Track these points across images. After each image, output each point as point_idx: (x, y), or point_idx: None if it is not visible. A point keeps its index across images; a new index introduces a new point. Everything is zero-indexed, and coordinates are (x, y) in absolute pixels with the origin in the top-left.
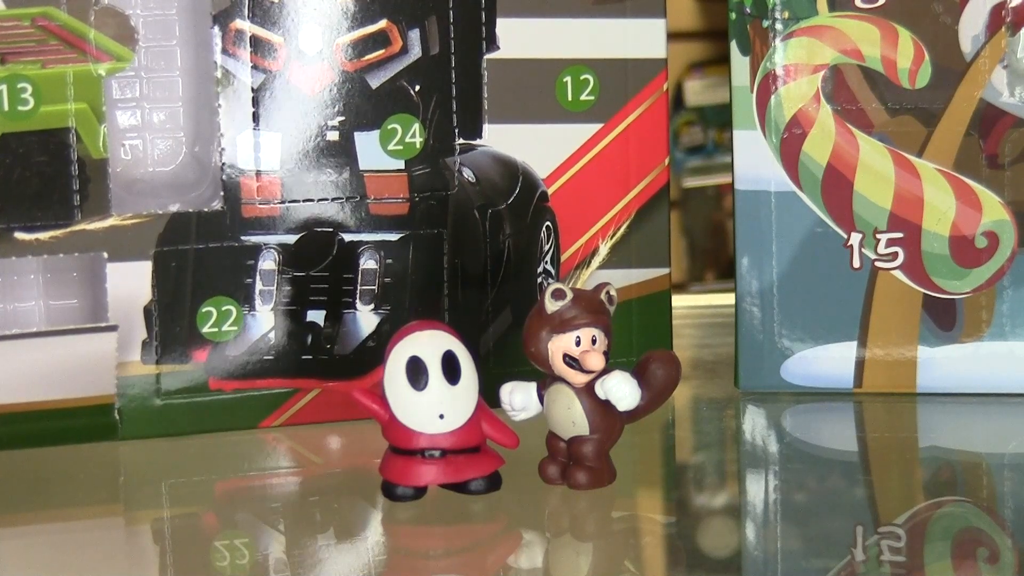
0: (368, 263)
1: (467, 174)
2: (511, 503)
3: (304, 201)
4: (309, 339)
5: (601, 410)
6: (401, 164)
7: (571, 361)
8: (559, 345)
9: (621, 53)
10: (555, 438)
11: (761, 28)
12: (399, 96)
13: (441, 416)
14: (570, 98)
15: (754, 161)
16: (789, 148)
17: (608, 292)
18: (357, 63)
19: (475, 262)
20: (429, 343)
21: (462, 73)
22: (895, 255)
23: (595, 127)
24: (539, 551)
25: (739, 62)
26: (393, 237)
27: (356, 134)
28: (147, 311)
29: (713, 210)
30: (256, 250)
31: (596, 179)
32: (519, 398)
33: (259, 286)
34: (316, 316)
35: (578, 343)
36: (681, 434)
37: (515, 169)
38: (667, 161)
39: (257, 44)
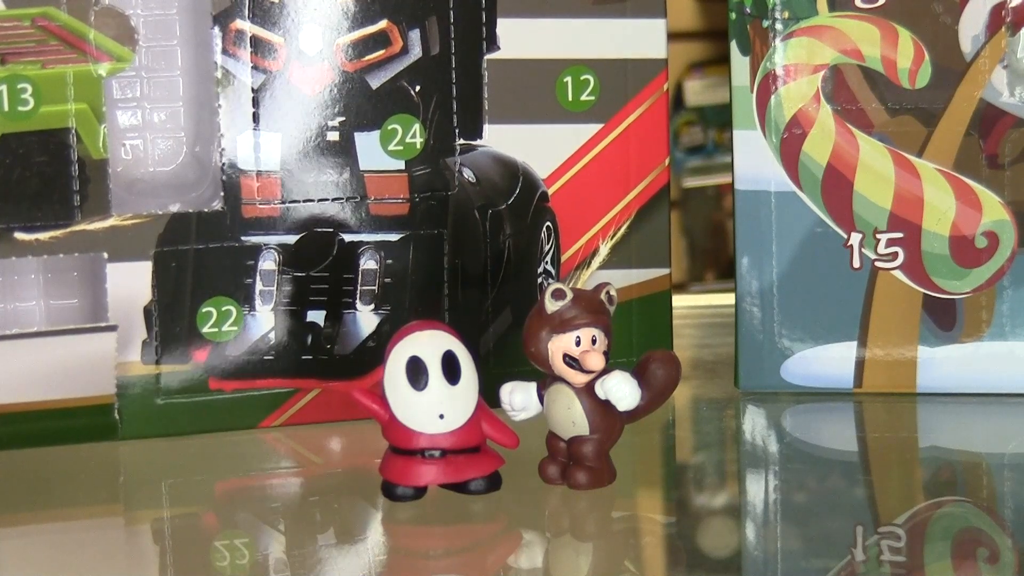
0: (368, 263)
1: (467, 174)
2: (511, 503)
3: (304, 201)
4: (309, 339)
5: (601, 410)
6: (401, 164)
7: (571, 361)
8: (559, 345)
9: (621, 53)
10: (555, 438)
11: (761, 28)
12: (399, 96)
13: (441, 416)
14: (570, 98)
15: (754, 161)
16: (789, 148)
17: (608, 292)
18: (357, 63)
19: (475, 262)
20: (429, 343)
21: (462, 73)
22: (895, 255)
23: (595, 127)
24: (539, 551)
25: (739, 62)
26: (393, 237)
27: (356, 134)
28: (147, 311)
29: (713, 210)
30: (256, 250)
31: (596, 179)
32: (519, 398)
33: (259, 286)
34: (316, 316)
35: (578, 343)
36: (681, 434)
37: (515, 169)
38: (667, 161)
39: (257, 44)
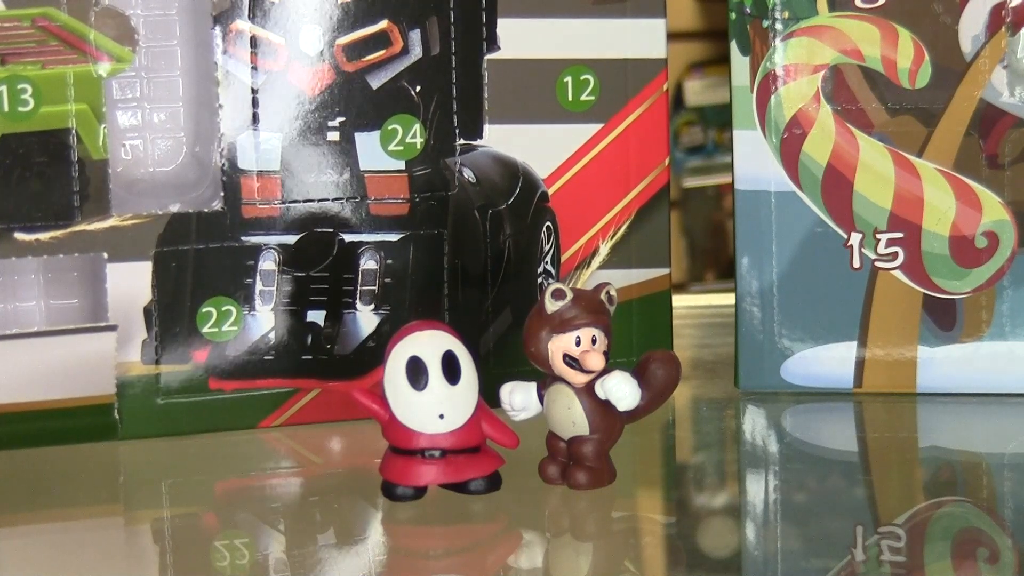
0: (368, 263)
1: (467, 174)
2: (511, 503)
3: (304, 201)
4: (309, 339)
5: (601, 410)
6: (402, 164)
7: (571, 361)
8: (559, 345)
9: (621, 53)
10: (555, 438)
11: (761, 28)
12: (400, 96)
13: (441, 416)
14: (570, 98)
15: (754, 161)
16: (789, 148)
17: (608, 292)
18: (358, 63)
19: (475, 262)
20: (429, 343)
21: (463, 73)
22: (895, 255)
23: (595, 127)
24: (539, 551)
25: (739, 62)
26: (393, 237)
27: (357, 134)
28: (147, 311)
29: (713, 210)
30: (256, 250)
31: (596, 179)
32: (519, 398)
33: (259, 286)
34: (316, 316)
35: (578, 343)
36: (681, 434)
37: (515, 169)
38: (667, 161)
39: (257, 44)
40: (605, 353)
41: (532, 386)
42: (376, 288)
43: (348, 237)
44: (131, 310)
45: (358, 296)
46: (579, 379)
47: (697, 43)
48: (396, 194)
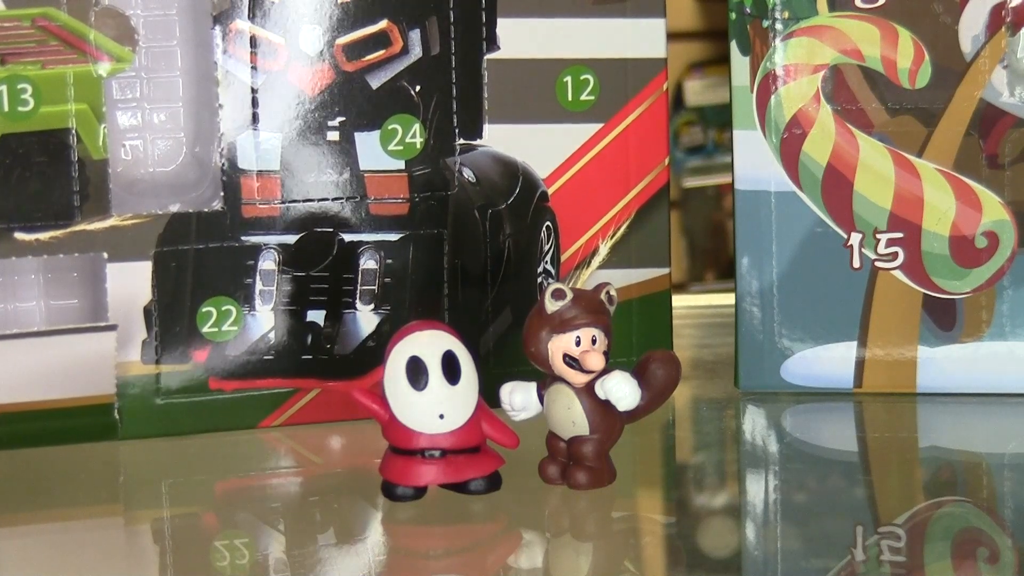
0: (368, 263)
1: (467, 174)
2: (511, 503)
3: (304, 201)
4: (309, 339)
5: (601, 410)
6: (401, 164)
7: (571, 361)
8: (559, 345)
9: (621, 53)
10: (555, 438)
11: (761, 28)
12: (399, 96)
13: (441, 416)
14: (570, 98)
15: (754, 161)
16: (789, 148)
17: (608, 292)
18: (357, 63)
19: (475, 262)
20: (429, 343)
21: (462, 73)
22: (895, 255)
23: (595, 127)
24: (539, 551)
25: (739, 62)
26: (393, 237)
27: (356, 134)
28: (147, 311)
29: (713, 210)
30: (256, 250)
31: (596, 179)
32: (519, 398)
33: (259, 286)
34: (316, 316)
35: (578, 343)
36: (681, 434)
37: (515, 169)
38: (667, 161)
39: (257, 44)
40: (605, 353)
41: (532, 386)
42: (376, 288)
43: (348, 237)
44: (131, 310)
45: (358, 296)
46: (579, 379)
47: (697, 43)
48: (396, 194)
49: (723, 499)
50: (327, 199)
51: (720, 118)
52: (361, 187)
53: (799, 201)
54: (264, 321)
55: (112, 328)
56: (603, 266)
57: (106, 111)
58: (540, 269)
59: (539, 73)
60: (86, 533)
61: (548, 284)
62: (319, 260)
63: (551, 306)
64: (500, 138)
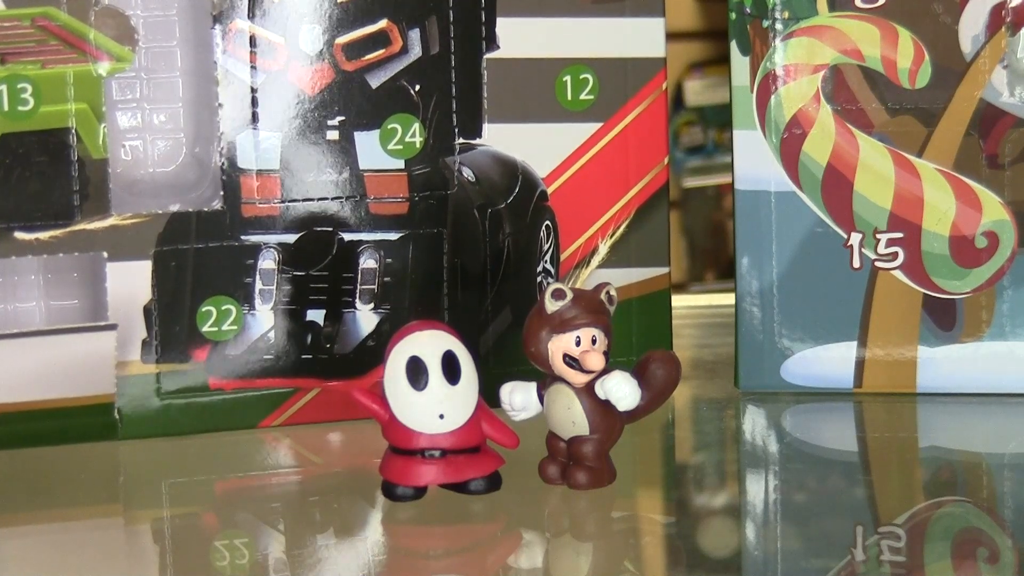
0: (368, 262)
1: (467, 173)
2: (511, 503)
3: (304, 200)
4: (309, 338)
5: (601, 410)
6: (401, 163)
7: (571, 361)
8: (559, 345)
9: (620, 52)
10: (555, 438)
11: (761, 28)
12: (399, 96)
13: (441, 416)
14: (569, 97)
15: (754, 161)
16: (789, 148)
17: (608, 292)
18: (357, 63)
19: (475, 261)
20: (429, 343)
21: (462, 73)
22: (895, 255)
23: (594, 126)
24: (539, 551)
25: (739, 62)
26: (393, 236)
27: (356, 134)
28: (147, 310)
29: (713, 210)
30: (256, 249)
31: (595, 178)
32: (519, 398)
33: (259, 285)
34: (316, 315)
35: (578, 343)
36: (681, 434)
37: (514, 168)
38: (666, 160)
39: (257, 43)
40: (605, 353)
41: (532, 386)
42: (376, 287)
43: (348, 236)
44: (131, 309)
45: (358, 295)
46: (579, 379)
47: (697, 43)
48: (395, 193)
49: (723, 499)
50: (327, 198)
51: (720, 118)
52: (361, 186)
53: (799, 201)
54: (264, 320)
55: (112, 328)
56: (603, 265)
57: (106, 111)
58: (540, 268)
59: (538, 72)
60: (86, 533)
61: (548, 284)
62: (319, 259)
63: (551, 306)
64: (499, 137)
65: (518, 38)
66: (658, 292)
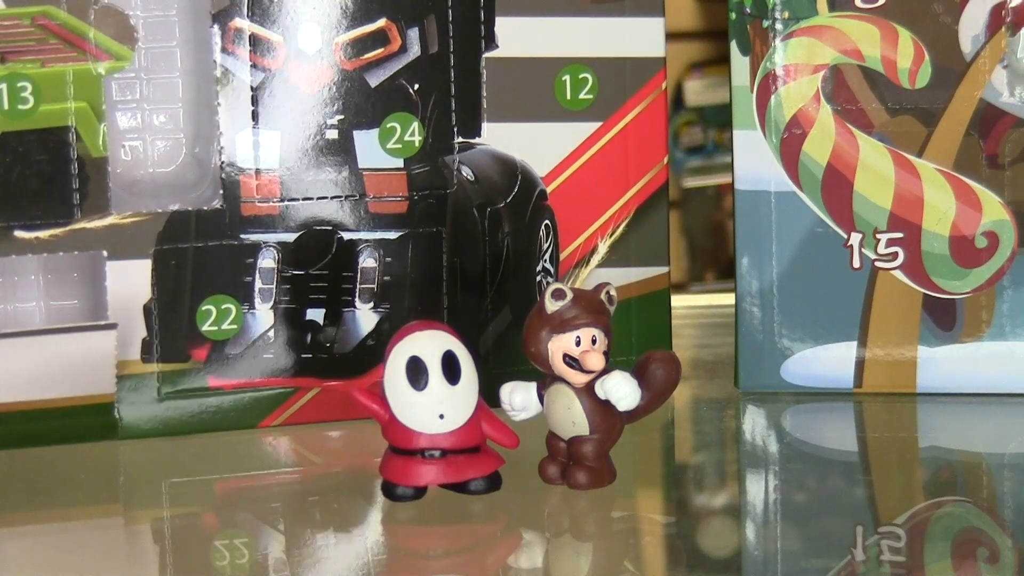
0: (367, 261)
1: (466, 172)
2: (511, 503)
3: (303, 199)
4: (309, 338)
5: (601, 410)
6: (400, 162)
7: (571, 361)
8: (559, 345)
9: (620, 52)
10: (555, 438)
11: (761, 28)
12: (398, 95)
13: (441, 416)
14: (569, 97)
15: (754, 161)
16: (789, 148)
17: (608, 292)
18: (356, 62)
19: (474, 261)
20: (429, 343)
21: (461, 72)
22: (895, 255)
23: (594, 126)
24: (539, 551)
25: (739, 62)
26: (392, 235)
27: (355, 132)
28: (147, 309)
29: (713, 210)
30: (255, 248)
31: (595, 178)
32: (519, 398)
33: (258, 284)
34: (316, 315)
35: (578, 343)
36: (681, 434)
37: (514, 167)
38: (666, 160)
39: (256, 43)
40: (605, 353)
41: (532, 386)
42: (375, 286)
43: (347, 235)
44: (131, 308)
45: (357, 294)
46: (579, 379)
47: (697, 43)
48: (395, 192)
49: (723, 499)
50: (326, 197)
51: (720, 118)
52: (360, 185)
53: (799, 201)
54: (263, 319)
55: (112, 327)
56: (602, 265)
57: (106, 110)
58: (539, 268)
59: (538, 72)
60: (86, 533)
61: (548, 284)
62: (318, 258)
63: (551, 306)
64: (499, 136)
65: (517, 37)
66: (658, 292)
